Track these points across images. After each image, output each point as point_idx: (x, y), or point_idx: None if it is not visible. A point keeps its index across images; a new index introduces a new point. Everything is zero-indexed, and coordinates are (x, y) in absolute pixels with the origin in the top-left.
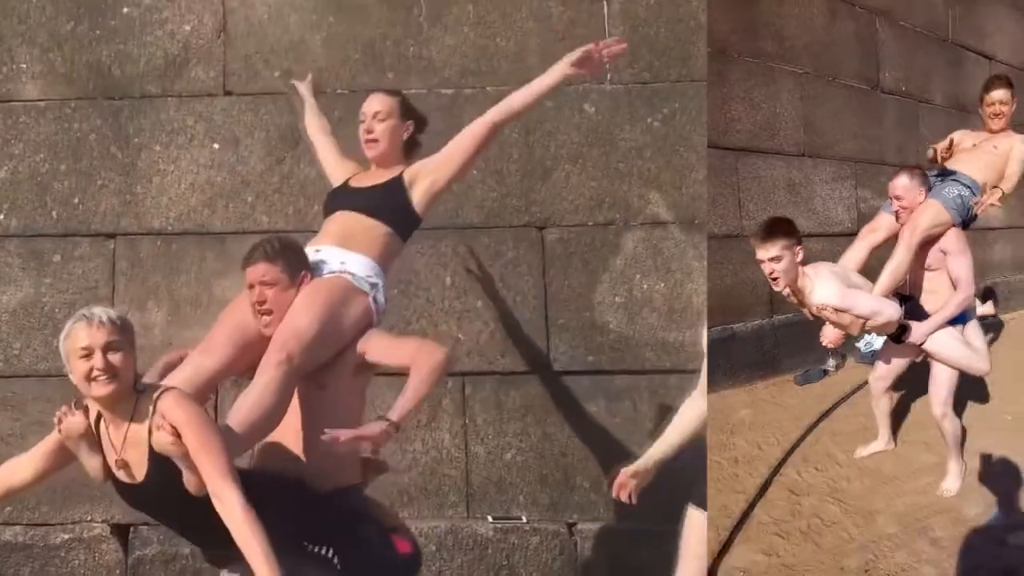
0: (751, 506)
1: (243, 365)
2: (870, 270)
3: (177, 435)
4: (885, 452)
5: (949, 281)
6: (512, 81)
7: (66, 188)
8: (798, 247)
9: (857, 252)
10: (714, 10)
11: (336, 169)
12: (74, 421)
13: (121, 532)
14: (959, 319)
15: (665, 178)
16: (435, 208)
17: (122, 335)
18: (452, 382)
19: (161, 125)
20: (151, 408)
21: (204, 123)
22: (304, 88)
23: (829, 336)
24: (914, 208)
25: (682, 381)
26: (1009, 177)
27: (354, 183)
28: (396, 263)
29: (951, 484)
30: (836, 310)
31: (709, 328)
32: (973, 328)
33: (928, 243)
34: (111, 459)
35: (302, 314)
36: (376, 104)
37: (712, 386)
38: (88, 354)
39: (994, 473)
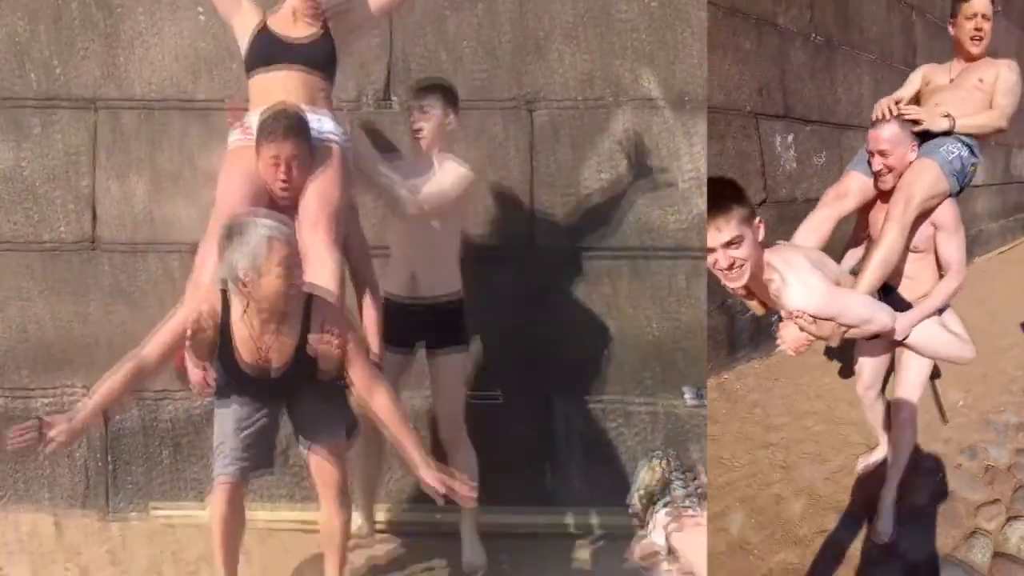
0: None
1: None
2: (829, 248)
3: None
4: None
5: (933, 263)
6: None
7: (46, 53)
8: (756, 219)
9: (820, 226)
10: None
11: (233, 5)
12: (207, 335)
13: None
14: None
15: (659, 56)
16: None
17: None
18: None
19: None
20: (301, 310)
21: None
22: None
23: (792, 341)
24: (902, 169)
25: (661, 263)
26: (1001, 109)
27: (283, 33)
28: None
29: (884, 527)
30: (816, 318)
31: None
32: (949, 313)
33: (919, 218)
34: (249, 355)
35: (333, 190)
36: None
37: None
38: (284, 268)
39: None
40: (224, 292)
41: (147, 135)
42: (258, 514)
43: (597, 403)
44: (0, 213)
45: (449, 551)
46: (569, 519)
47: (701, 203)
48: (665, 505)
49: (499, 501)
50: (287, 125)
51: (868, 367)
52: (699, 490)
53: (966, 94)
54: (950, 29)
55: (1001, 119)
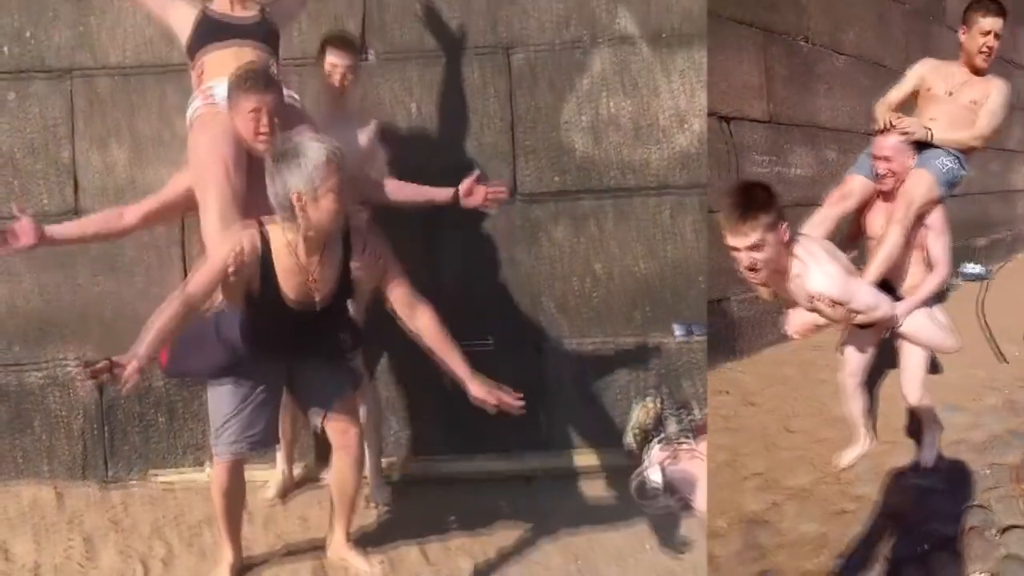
0: None
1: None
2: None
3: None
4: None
5: (924, 259)
6: None
7: (17, 22)
8: (783, 224)
9: (823, 224)
10: None
11: (166, 4)
12: (249, 264)
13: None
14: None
15: None
16: (400, 33)
17: None
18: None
19: None
20: (340, 237)
21: None
22: None
23: (799, 325)
24: (903, 174)
25: (646, 200)
26: (979, 129)
27: (226, 13)
28: (360, 90)
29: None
30: (833, 302)
31: None
32: (938, 307)
33: (915, 221)
34: (292, 284)
35: None
36: None
37: None
38: (340, 190)
39: None
40: (261, 226)
41: (124, 101)
42: (254, 473)
43: (588, 345)
44: None
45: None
46: (565, 461)
47: (682, 139)
48: (660, 442)
49: (494, 447)
50: (266, 78)
51: (854, 356)
52: (693, 424)
53: (958, 112)
54: (960, 35)
55: (977, 139)
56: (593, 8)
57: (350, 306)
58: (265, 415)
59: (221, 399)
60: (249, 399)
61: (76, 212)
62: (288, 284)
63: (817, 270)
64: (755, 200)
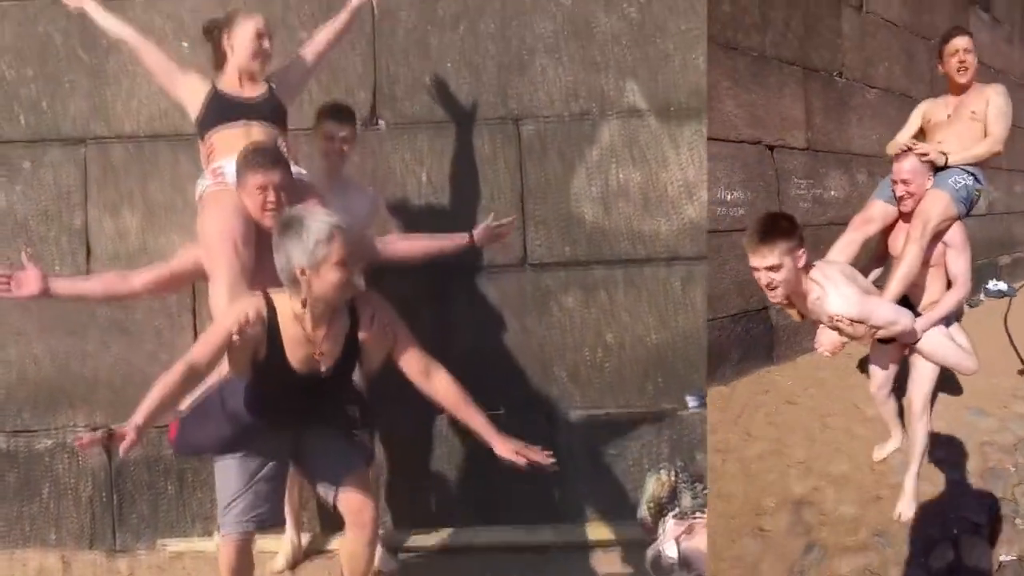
0: None
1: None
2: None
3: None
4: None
5: (943, 276)
6: None
7: (33, 93)
8: (800, 251)
9: (848, 247)
10: None
11: (176, 78)
12: (254, 333)
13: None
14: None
15: (642, 67)
16: (410, 103)
17: None
18: (429, 275)
19: (129, 25)
20: (347, 306)
21: (173, 22)
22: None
23: (828, 344)
24: (921, 195)
25: (656, 270)
26: (994, 136)
27: (236, 93)
28: (371, 162)
29: (906, 508)
30: (852, 321)
31: None
32: (956, 328)
33: (933, 239)
34: (298, 355)
35: None
36: (263, 26)
37: None
38: (343, 264)
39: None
40: (267, 296)
41: (137, 169)
42: (263, 543)
43: (600, 414)
44: None
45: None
46: (579, 533)
47: (691, 210)
48: (675, 516)
49: (507, 519)
50: (273, 155)
51: (878, 373)
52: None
53: (963, 127)
54: (939, 69)
55: (996, 144)
56: (601, 82)
57: (357, 377)
58: (272, 492)
59: (228, 476)
60: (256, 476)
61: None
62: (294, 354)
63: (835, 293)
64: (777, 227)
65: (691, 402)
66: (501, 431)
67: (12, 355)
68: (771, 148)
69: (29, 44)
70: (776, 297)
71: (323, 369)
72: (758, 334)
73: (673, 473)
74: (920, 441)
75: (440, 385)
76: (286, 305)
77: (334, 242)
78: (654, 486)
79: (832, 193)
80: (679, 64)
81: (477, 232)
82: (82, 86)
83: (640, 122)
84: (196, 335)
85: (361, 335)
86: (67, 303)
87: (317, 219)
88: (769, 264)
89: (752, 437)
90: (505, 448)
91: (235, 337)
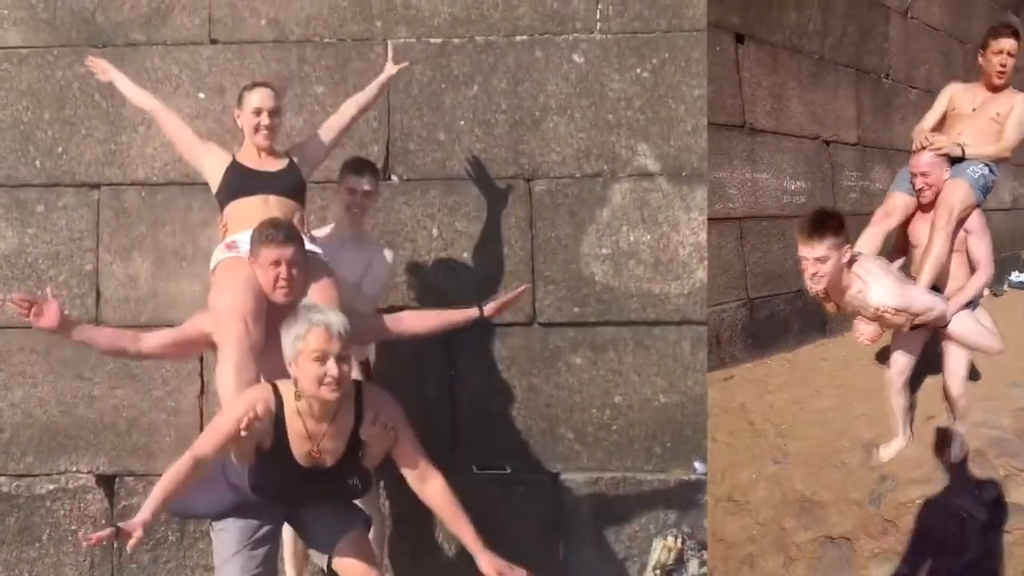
0: None
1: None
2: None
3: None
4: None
5: (966, 262)
6: (501, 31)
7: (50, 137)
8: (847, 246)
9: (872, 240)
10: None
11: (197, 149)
12: (261, 426)
13: (107, 482)
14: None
15: (653, 129)
16: (422, 159)
17: (349, 347)
18: None
19: (146, 73)
20: (352, 399)
21: (189, 72)
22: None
23: (868, 333)
24: (939, 186)
25: (666, 332)
26: (1006, 141)
27: (256, 167)
28: (382, 215)
29: (956, 453)
30: (896, 311)
31: None
32: (980, 310)
33: (956, 227)
34: (302, 449)
35: (334, 291)
36: (271, 101)
37: None
38: (323, 359)
39: None
40: (275, 387)
41: (149, 214)
42: None
43: (607, 477)
44: (4, 293)
45: None
46: None
47: (701, 273)
48: None
49: None
50: (286, 231)
51: (902, 357)
52: None
53: (984, 125)
54: (979, 59)
55: (1005, 151)
56: (613, 144)
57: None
58: (267, 551)
59: (225, 538)
60: (252, 537)
61: (97, 321)
62: (298, 449)
63: (876, 286)
64: (826, 223)
65: (698, 467)
66: (487, 548)
67: (18, 397)
68: (827, 143)
69: (47, 88)
70: (816, 287)
71: (328, 462)
72: (815, 309)
73: (680, 539)
74: (962, 410)
75: (433, 491)
76: (292, 398)
77: (310, 337)
78: (661, 552)
79: (877, 185)
80: (691, 127)
81: (488, 306)
82: (98, 131)
83: (651, 183)
84: (203, 381)
85: (362, 432)
86: (75, 346)
87: (303, 317)
88: (817, 255)
89: (819, 394)
90: (490, 565)
91: (243, 432)
